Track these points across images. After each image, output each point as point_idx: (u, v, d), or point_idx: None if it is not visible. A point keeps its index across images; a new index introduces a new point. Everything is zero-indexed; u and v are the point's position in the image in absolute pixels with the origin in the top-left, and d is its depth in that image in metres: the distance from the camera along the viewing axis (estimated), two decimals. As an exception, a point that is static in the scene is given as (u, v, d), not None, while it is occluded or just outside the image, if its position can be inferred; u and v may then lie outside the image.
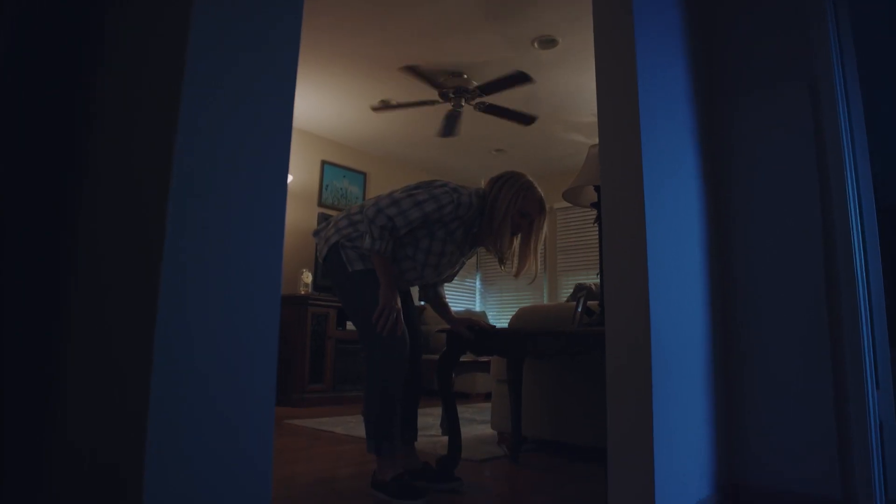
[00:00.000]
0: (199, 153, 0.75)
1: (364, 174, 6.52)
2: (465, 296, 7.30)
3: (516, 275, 2.39)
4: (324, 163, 6.11)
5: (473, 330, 2.47)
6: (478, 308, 7.38)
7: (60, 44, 0.94)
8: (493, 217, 2.26)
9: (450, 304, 2.62)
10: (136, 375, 0.69)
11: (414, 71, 4.47)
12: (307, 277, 5.43)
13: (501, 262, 2.39)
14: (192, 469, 0.72)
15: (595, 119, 5.06)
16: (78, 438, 0.79)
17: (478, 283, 7.43)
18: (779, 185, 2.20)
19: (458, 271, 2.50)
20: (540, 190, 2.34)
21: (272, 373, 0.82)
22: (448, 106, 4.95)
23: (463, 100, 4.85)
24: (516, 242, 2.39)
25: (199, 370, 0.73)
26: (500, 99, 4.88)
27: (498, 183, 2.32)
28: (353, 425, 3.90)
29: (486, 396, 5.87)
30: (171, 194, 0.71)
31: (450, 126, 5.07)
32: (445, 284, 2.63)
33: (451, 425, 2.47)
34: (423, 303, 5.57)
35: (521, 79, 4.46)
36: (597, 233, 6.01)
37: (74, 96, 0.94)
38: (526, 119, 5.07)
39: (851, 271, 2.05)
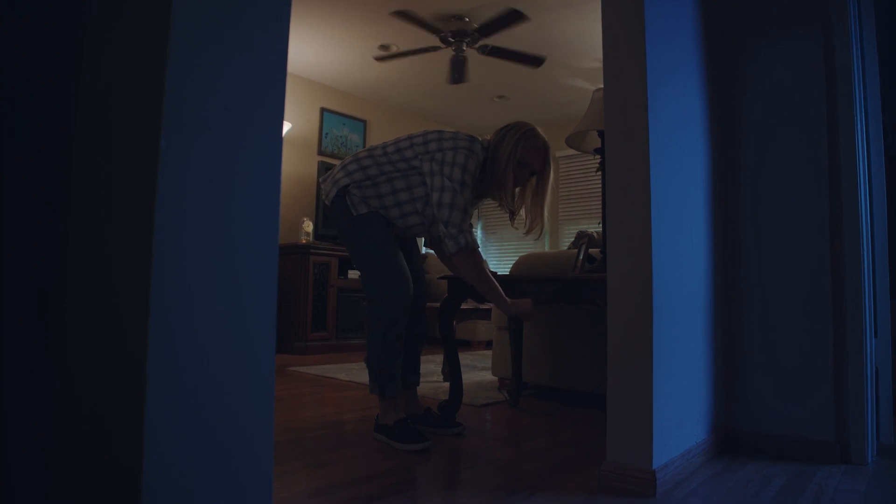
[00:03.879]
0: (190, 96, 0.73)
1: (364, 122, 6.43)
2: (466, 245, 7.31)
3: (527, 233, 2.36)
4: (323, 110, 6.02)
5: None
6: (479, 257, 7.39)
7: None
8: (495, 167, 2.23)
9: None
10: (135, 328, 0.69)
11: (406, 16, 4.35)
12: (308, 226, 5.42)
13: (512, 218, 2.37)
14: (192, 414, 0.72)
15: (600, 65, 4.95)
16: (78, 384, 0.79)
17: (479, 232, 7.43)
18: (787, 130, 2.17)
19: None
20: (544, 138, 2.29)
21: (272, 318, 0.81)
22: (451, 52, 4.84)
23: (464, 44, 4.73)
24: (527, 199, 2.34)
25: (197, 318, 0.72)
26: (504, 43, 4.77)
27: (501, 132, 2.27)
28: (355, 372, 3.96)
29: (487, 344, 5.94)
30: (163, 138, 0.69)
31: (457, 72, 4.95)
32: None
33: (452, 371, 2.50)
34: (427, 250, 5.59)
35: (514, 17, 4.34)
36: (599, 181, 5.95)
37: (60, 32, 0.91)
38: (534, 60, 4.93)
39: (856, 219, 2.03)
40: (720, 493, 1.69)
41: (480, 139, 2.29)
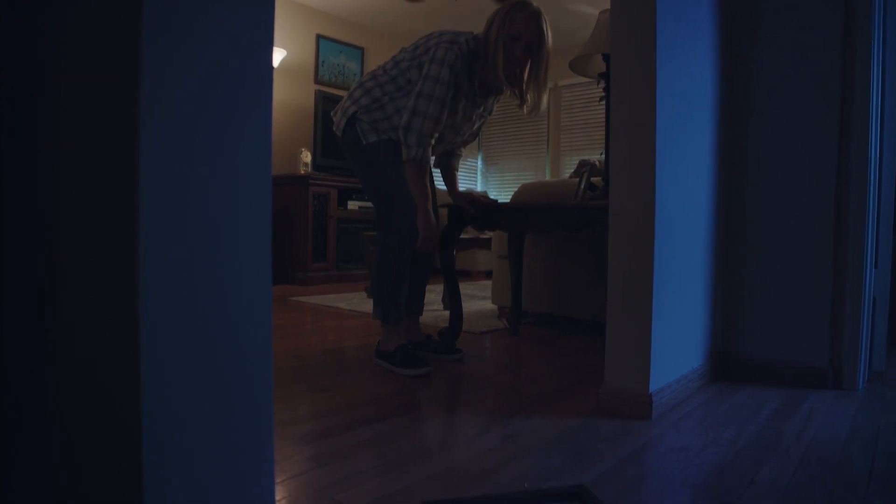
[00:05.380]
0: (169, 22, 0.69)
1: (361, 49, 6.25)
2: (466, 175, 7.25)
3: (529, 112, 2.27)
4: (319, 37, 5.83)
5: (475, 205, 2.46)
6: (479, 188, 7.35)
7: None
8: (487, 48, 2.14)
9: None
10: (125, 261, 0.68)
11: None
12: (306, 157, 5.35)
13: (521, 103, 2.27)
14: (188, 349, 0.72)
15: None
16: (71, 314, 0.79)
17: (479, 162, 7.35)
18: (799, 54, 2.10)
19: (477, 130, 2.42)
20: (534, 7, 2.15)
21: (266, 246, 0.80)
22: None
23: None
24: (526, 74, 2.24)
25: (190, 235, 0.71)
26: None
27: (490, 16, 2.18)
28: (356, 301, 3.99)
29: (487, 274, 5.98)
30: (143, 66, 0.66)
31: None
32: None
33: (452, 298, 2.52)
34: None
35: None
36: (601, 111, 5.77)
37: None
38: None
39: (865, 149, 1.99)
40: (714, 416, 1.73)
41: (475, 33, 2.22)
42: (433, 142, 2.13)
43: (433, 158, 2.49)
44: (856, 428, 1.64)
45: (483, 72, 2.18)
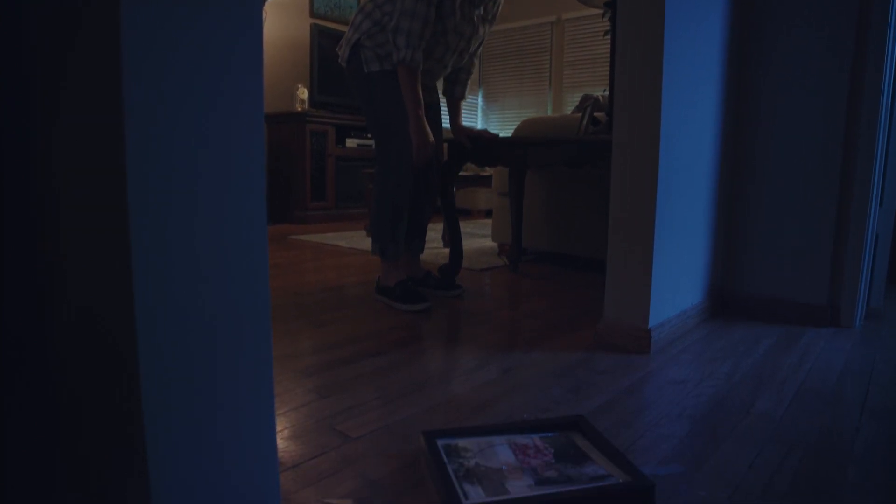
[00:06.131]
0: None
1: (358, -21, 6.03)
2: (467, 113, 7.13)
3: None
4: (314, -35, 5.62)
5: (474, 141, 2.41)
6: (480, 126, 7.24)
7: None
8: None
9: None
10: (114, 197, 0.66)
11: None
12: (303, 93, 5.24)
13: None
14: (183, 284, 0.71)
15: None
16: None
17: (480, 99, 7.21)
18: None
19: (475, 50, 2.35)
20: None
21: (260, 180, 0.78)
22: None
23: None
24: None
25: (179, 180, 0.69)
26: None
27: None
28: (356, 239, 3.99)
29: (487, 213, 5.96)
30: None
31: None
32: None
33: (452, 235, 2.51)
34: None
35: None
36: (605, 47, 5.64)
37: None
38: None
39: (878, 87, 1.94)
40: (712, 351, 1.75)
41: None
42: (422, 44, 2.06)
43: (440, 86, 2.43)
44: (850, 362, 1.66)
45: None
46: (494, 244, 3.87)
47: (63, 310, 0.83)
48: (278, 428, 1.17)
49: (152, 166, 0.67)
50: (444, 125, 2.47)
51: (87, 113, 0.71)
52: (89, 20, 0.68)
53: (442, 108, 2.57)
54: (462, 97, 2.48)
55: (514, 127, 6.03)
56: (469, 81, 2.49)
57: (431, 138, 2.13)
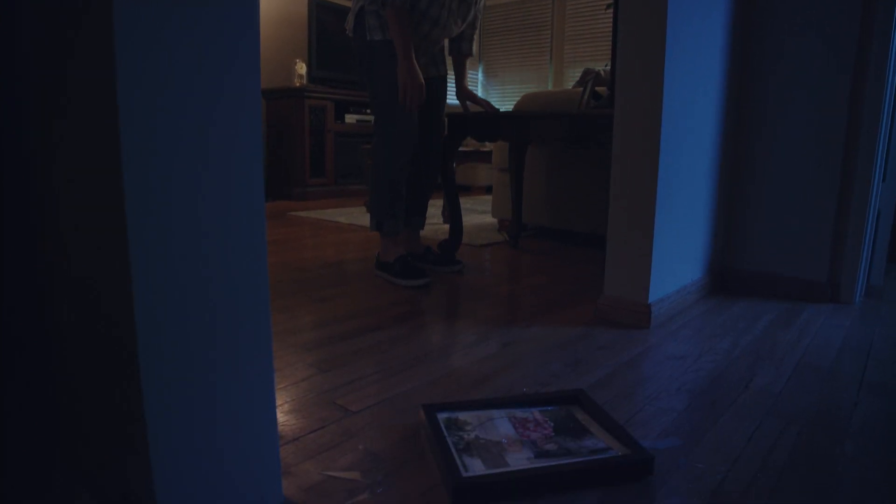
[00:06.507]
0: None
1: (357, -49, 5.92)
2: (466, 89, 7.06)
3: None
4: (312, -64, 5.51)
5: (477, 112, 2.39)
6: (479, 102, 7.16)
7: None
8: None
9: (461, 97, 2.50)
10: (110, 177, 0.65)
11: None
12: (301, 68, 5.18)
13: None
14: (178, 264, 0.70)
15: None
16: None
17: (480, 74, 7.14)
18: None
19: (480, 9, 2.33)
20: None
21: (258, 157, 0.77)
22: None
23: None
24: None
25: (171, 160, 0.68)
26: None
27: None
28: (356, 215, 3.98)
29: (487, 189, 5.94)
30: None
31: None
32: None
33: (452, 210, 2.50)
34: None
35: None
36: (606, 21, 5.57)
37: None
38: None
39: (884, 61, 1.91)
40: (711, 327, 1.75)
41: None
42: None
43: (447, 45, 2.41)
44: (849, 339, 1.66)
45: None
46: (494, 220, 3.86)
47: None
48: (278, 402, 1.18)
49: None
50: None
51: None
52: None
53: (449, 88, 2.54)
54: (469, 53, 2.42)
55: (515, 102, 5.99)
56: (475, 36, 2.44)
57: (421, 80, 2.07)
